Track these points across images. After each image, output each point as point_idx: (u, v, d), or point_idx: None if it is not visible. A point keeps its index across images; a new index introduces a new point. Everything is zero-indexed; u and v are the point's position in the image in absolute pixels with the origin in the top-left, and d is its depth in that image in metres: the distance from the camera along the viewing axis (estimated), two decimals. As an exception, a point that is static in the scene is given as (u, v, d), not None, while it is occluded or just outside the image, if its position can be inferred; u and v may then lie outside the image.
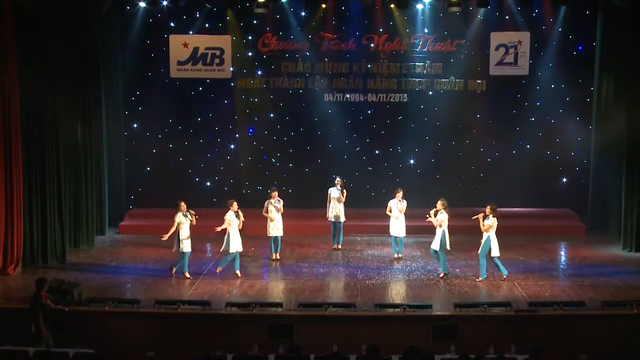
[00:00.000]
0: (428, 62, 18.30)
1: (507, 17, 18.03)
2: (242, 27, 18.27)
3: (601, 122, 17.50)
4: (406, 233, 15.21)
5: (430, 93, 18.46)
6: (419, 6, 17.98)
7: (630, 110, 15.96)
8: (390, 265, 14.90)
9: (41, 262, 14.72)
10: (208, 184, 18.77)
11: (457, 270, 14.31)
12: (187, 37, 18.11)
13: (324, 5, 17.95)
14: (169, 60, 18.17)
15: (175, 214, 13.70)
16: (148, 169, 18.75)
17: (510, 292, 13.00)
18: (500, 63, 18.14)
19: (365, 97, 18.47)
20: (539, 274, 14.11)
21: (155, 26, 18.05)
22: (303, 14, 18.12)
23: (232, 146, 18.78)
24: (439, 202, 13.86)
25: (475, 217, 13.66)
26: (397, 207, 15.08)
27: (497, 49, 18.09)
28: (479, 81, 18.33)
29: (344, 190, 15.85)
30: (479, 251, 13.63)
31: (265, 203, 15.03)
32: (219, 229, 13.93)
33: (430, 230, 14.09)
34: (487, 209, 13.53)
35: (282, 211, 15.02)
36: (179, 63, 18.19)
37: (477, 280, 13.61)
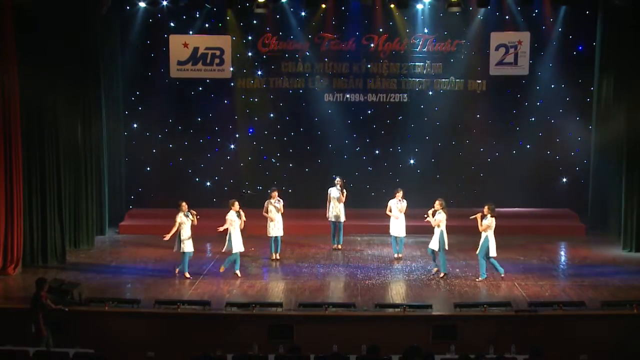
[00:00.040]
0: (428, 62, 18.30)
1: (507, 17, 18.04)
2: (242, 27, 18.27)
3: (601, 122, 17.50)
4: (406, 233, 15.21)
5: (430, 93, 18.47)
6: (419, 6, 17.98)
7: (630, 110, 15.96)
8: (390, 265, 14.90)
9: (41, 262, 14.72)
10: (208, 184, 18.77)
11: (457, 270, 14.31)
12: (187, 37, 18.11)
13: (324, 5, 17.95)
14: (169, 60, 18.17)
15: (176, 214, 13.70)
16: (148, 169, 18.75)
17: (510, 292, 12.99)
18: (500, 63, 18.15)
19: (365, 97, 18.47)
20: (539, 274, 14.11)
21: (155, 26, 18.05)
22: (303, 14, 18.12)
23: (232, 146, 18.78)
24: (437, 202, 13.86)
25: (473, 216, 13.67)
26: (397, 207, 15.08)
27: (497, 49, 18.10)
28: (479, 81, 18.33)
29: (344, 190, 15.85)
30: (478, 251, 13.63)
31: (265, 203, 15.03)
32: (221, 229, 13.93)
33: (431, 230, 14.08)
34: (485, 209, 13.53)
35: (282, 211, 15.02)
36: (179, 63, 18.19)
37: (477, 280, 13.60)
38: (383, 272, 14.34)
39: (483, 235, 13.51)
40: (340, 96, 18.51)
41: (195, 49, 18.14)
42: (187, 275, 13.75)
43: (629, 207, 15.88)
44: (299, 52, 18.32)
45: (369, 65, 18.34)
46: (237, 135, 18.78)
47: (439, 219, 13.76)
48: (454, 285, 13.45)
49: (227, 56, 18.24)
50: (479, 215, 13.57)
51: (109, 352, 10.08)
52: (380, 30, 18.24)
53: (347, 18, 18.27)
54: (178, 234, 13.67)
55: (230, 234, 13.79)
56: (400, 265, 14.82)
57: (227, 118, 18.68)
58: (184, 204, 13.76)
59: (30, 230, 14.57)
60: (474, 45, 18.22)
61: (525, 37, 18.00)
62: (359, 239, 17.06)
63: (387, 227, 15.35)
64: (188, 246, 13.71)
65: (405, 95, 18.46)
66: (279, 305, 12.05)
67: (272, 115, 18.69)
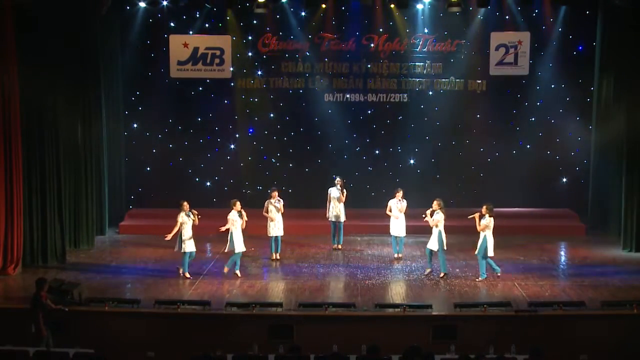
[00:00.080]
0: (428, 62, 18.30)
1: (507, 17, 18.03)
2: (242, 27, 18.26)
3: (601, 122, 17.50)
4: (406, 233, 15.21)
5: (430, 93, 18.47)
6: (419, 6, 17.98)
7: (630, 110, 15.96)
8: (390, 265, 14.90)
9: (41, 262, 14.72)
10: (208, 184, 18.77)
11: (457, 270, 14.31)
12: (187, 37, 18.11)
13: (324, 5, 17.94)
14: (169, 60, 18.17)
15: (177, 213, 13.69)
16: (148, 169, 18.75)
17: (510, 292, 12.99)
18: (500, 63, 18.15)
19: (365, 97, 18.47)
20: (539, 274, 14.11)
21: (155, 26, 18.04)
22: (303, 14, 18.12)
23: (232, 146, 18.78)
24: (435, 202, 13.86)
25: (472, 216, 13.67)
26: (397, 206, 15.08)
27: (497, 49, 18.10)
28: (479, 81, 18.33)
29: (344, 190, 15.84)
30: (477, 251, 13.62)
31: (266, 203, 15.03)
32: (222, 228, 13.93)
33: (431, 230, 14.06)
34: (483, 209, 13.53)
35: (282, 211, 15.02)
36: (179, 63, 18.19)
37: (477, 280, 13.61)
38: (383, 272, 14.34)
39: (481, 235, 13.51)
40: (340, 96, 18.51)
41: (195, 49, 18.14)
42: (187, 275, 13.75)
43: (629, 207, 15.87)
44: (299, 52, 18.32)
45: (369, 65, 18.34)
46: (237, 135, 18.77)
47: (437, 219, 13.76)
48: (454, 285, 13.45)
49: (227, 56, 18.23)
50: (477, 215, 13.57)
51: (109, 352, 10.08)
52: (380, 30, 18.24)
53: (347, 18, 18.26)
54: (179, 233, 13.66)
55: (231, 234, 13.79)
56: (400, 265, 14.82)
57: (227, 118, 18.67)
58: (185, 203, 13.76)
59: (30, 230, 14.57)
60: (474, 45, 18.22)
61: (525, 37, 18.00)
62: (359, 239, 17.06)
63: (387, 227, 15.35)
64: (189, 246, 13.71)
65: (405, 95, 18.46)
66: (279, 305, 12.05)
67: (272, 115, 18.69)
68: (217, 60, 18.20)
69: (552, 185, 18.67)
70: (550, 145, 18.55)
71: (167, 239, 13.78)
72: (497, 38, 18.07)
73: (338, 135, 18.60)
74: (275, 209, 14.94)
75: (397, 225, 15.10)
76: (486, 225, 13.44)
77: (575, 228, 17.65)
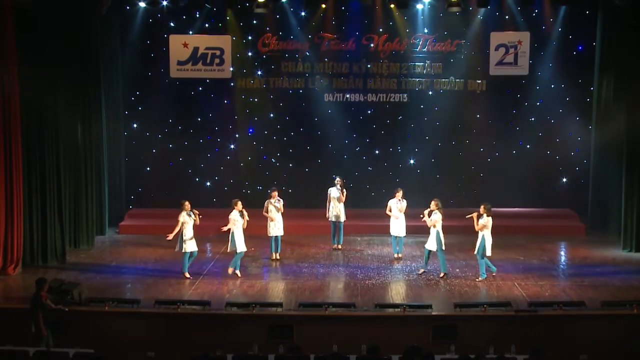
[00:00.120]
0: (428, 62, 18.30)
1: (507, 17, 18.03)
2: (242, 27, 18.26)
3: (601, 122, 17.51)
4: (406, 233, 15.20)
5: (430, 93, 18.47)
6: (419, 6, 17.98)
7: (630, 110, 15.96)
8: (390, 265, 14.90)
9: (41, 262, 14.72)
10: (208, 184, 18.77)
11: (457, 270, 14.31)
12: (187, 37, 18.11)
13: (324, 5, 17.95)
14: (169, 60, 18.17)
15: (179, 213, 13.69)
16: (148, 169, 18.75)
17: (510, 292, 12.99)
18: (500, 63, 18.15)
19: (365, 97, 18.47)
20: (539, 274, 14.11)
21: (155, 26, 18.04)
22: (303, 14, 18.12)
23: (232, 146, 18.78)
24: (433, 203, 13.86)
25: (470, 216, 13.67)
26: (397, 206, 15.08)
27: (497, 49, 18.10)
28: (479, 81, 18.33)
29: (344, 190, 15.84)
30: (476, 251, 13.61)
31: (266, 203, 15.03)
32: (224, 228, 13.92)
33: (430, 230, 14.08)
34: (482, 209, 13.53)
35: (282, 211, 15.02)
36: (179, 63, 18.19)
37: (477, 280, 13.60)
38: (383, 272, 14.34)
39: (480, 235, 13.51)
40: (340, 96, 18.51)
41: (195, 49, 18.14)
42: (187, 275, 13.74)
43: (629, 207, 15.87)
44: (299, 52, 18.32)
45: (369, 65, 18.34)
46: (237, 135, 18.77)
47: (434, 219, 13.76)
48: (454, 285, 13.45)
49: (227, 56, 18.23)
50: (475, 215, 13.57)
51: (109, 352, 10.09)
52: (380, 30, 18.24)
53: (347, 18, 18.26)
54: (180, 233, 13.65)
55: (233, 234, 13.79)
56: (400, 265, 14.82)
57: (227, 118, 18.67)
58: (187, 203, 13.76)
59: (30, 230, 14.57)
60: (474, 45, 18.22)
61: (525, 37, 18.00)
62: (359, 239, 17.06)
63: (387, 227, 15.35)
64: (190, 246, 13.70)
65: (405, 95, 18.46)
66: (279, 305, 12.05)
67: (272, 115, 18.69)
68: (217, 60, 18.20)
69: (552, 185, 18.68)
70: (550, 145, 18.55)
71: (168, 238, 13.77)
72: (497, 38, 18.08)
73: (338, 135, 18.60)
74: (275, 208, 14.94)
75: (397, 225, 15.10)
76: (484, 225, 13.44)
77: (575, 228, 17.65)
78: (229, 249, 13.95)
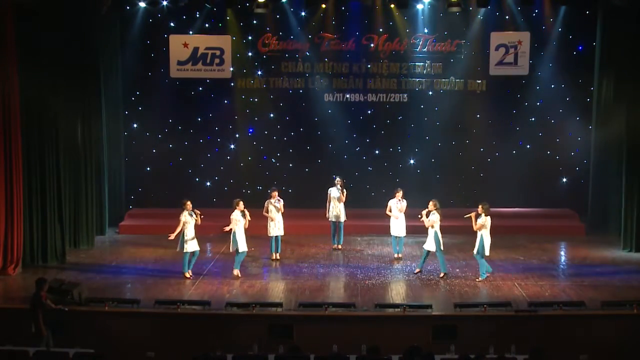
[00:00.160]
0: (428, 62, 18.30)
1: (507, 17, 18.03)
2: (242, 27, 18.26)
3: (601, 122, 17.51)
4: (406, 233, 15.20)
5: (430, 93, 18.46)
6: (419, 6, 17.97)
7: (630, 110, 15.95)
8: (390, 265, 14.90)
9: (41, 262, 14.72)
10: (208, 184, 18.77)
11: (457, 270, 14.31)
12: (187, 37, 18.11)
13: (324, 5, 17.94)
14: (169, 60, 18.17)
15: (180, 212, 13.69)
16: (148, 169, 18.75)
17: (510, 292, 12.99)
18: (500, 63, 18.15)
19: (365, 97, 18.47)
20: (539, 274, 14.11)
21: (155, 26, 18.04)
22: (303, 14, 18.11)
23: (232, 146, 18.77)
24: (431, 203, 13.86)
25: (468, 215, 13.67)
26: (397, 206, 15.08)
27: (497, 49, 18.10)
28: (479, 81, 18.33)
29: (344, 190, 15.84)
30: (475, 252, 13.60)
31: (266, 203, 15.03)
32: (226, 228, 13.91)
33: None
34: (480, 208, 13.53)
35: (283, 211, 15.02)
36: (179, 63, 18.19)
37: (477, 280, 13.60)
38: (383, 272, 14.34)
39: (478, 234, 13.50)
40: (340, 96, 18.51)
41: (195, 49, 18.14)
42: (187, 275, 13.74)
43: (629, 207, 15.87)
44: (299, 52, 18.32)
45: (369, 65, 18.34)
46: (237, 135, 18.77)
47: (432, 219, 13.75)
48: (454, 285, 13.45)
49: (227, 56, 18.23)
50: (473, 215, 13.57)
51: (109, 352, 10.07)
52: (380, 30, 18.24)
53: (347, 18, 18.26)
54: (182, 233, 13.65)
55: (235, 234, 13.78)
56: (400, 265, 14.82)
57: (227, 118, 18.67)
58: (188, 202, 13.76)
59: (30, 230, 14.57)
60: (474, 45, 18.22)
61: (525, 37, 18.00)
62: (359, 239, 17.06)
63: (387, 227, 15.35)
64: (191, 246, 13.70)
65: (405, 95, 18.46)
66: (279, 305, 12.05)
67: (272, 115, 18.68)
68: (217, 60, 18.20)
69: (552, 185, 18.67)
70: (550, 145, 18.55)
71: (170, 238, 13.75)
72: (497, 38, 18.08)
73: (338, 135, 18.60)
74: (275, 208, 14.94)
75: (397, 225, 15.10)
76: (482, 225, 13.43)
77: (575, 228, 17.65)
78: (230, 248, 13.94)
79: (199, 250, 13.96)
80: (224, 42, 18.20)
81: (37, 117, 14.57)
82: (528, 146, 18.61)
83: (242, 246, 13.81)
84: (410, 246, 15.81)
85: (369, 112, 18.59)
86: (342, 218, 15.95)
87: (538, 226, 17.78)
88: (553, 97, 18.36)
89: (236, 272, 13.83)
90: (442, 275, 13.82)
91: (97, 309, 11.84)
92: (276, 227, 14.99)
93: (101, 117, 16.89)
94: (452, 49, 18.21)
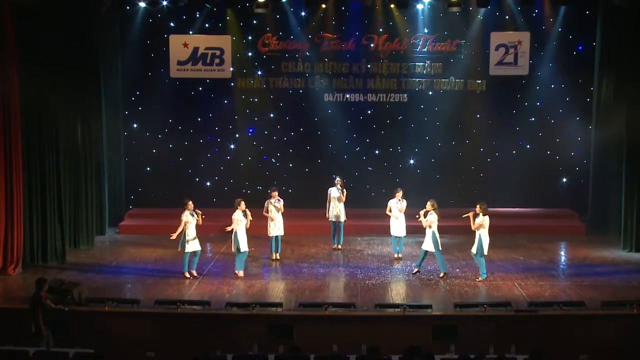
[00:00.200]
0: (428, 62, 18.30)
1: (507, 17, 18.03)
2: (242, 27, 18.26)
3: (601, 122, 17.51)
4: (406, 233, 15.20)
5: (430, 93, 18.46)
6: (419, 6, 17.96)
7: (630, 110, 15.95)
8: (390, 265, 14.89)
9: (41, 262, 14.72)
10: (208, 184, 18.77)
11: (457, 270, 14.31)
12: (187, 37, 18.11)
13: (324, 5, 17.94)
14: (169, 60, 18.17)
15: (181, 212, 13.68)
16: (148, 169, 18.75)
17: (510, 292, 12.99)
18: (500, 63, 18.14)
19: (365, 97, 18.47)
20: (539, 274, 14.11)
21: (155, 26, 18.04)
22: (303, 14, 18.12)
23: (232, 146, 18.77)
24: (429, 203, 13.85)
25: (466, 215, 13.67)
26: (396, 206, 15.08)
27: (497, 49, 18.09)
28: (479, 81, 18.33)
29: (344, 190, 15.84)
30: (474, 251, 13.60)
31: (266, 203, 15.02)
32: (228, 228, 13.90)
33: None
34: (478, 208, 13.52)
35: (283, 211, 15.02)
36: (179, 63, 18.19)
37: (477, 280, 13.60)
38: (383, 272, 14.34)
39: (477, 234, 13.50)
40: (340, 96, 18.51)
41: (195, 49, 18.14)
42: (187, 275, 13.74)
43: (629, 207, 15.87)
44: (299, 52, 18.32)
45: (369, 65, 18.34)
46: (237, 135, 18.77)
47: (430, 219, 13.74)
48: (454, 285, 13.45)
49: (227, 56, 18.23)
50: (471, 214, 13.57)
51: (109, 352, 10.07)
52: (380, 30, 18.23)
53: (347, 18, 18.26)
54: (183, 233, 13.65)
55: (236, 234, 13.77)
56: (400, 265, 14.82)
57: (227, 118, 18.67)
58: (190, 202, 13.76)
59: (30, 230, 14.57)
60: (474, 45, 18.21)
61: (525, 37, 18.00)
62: (359, 239, 17.06)
63: (387, 227, 15.34)
64: (192, 246, 13.69)
65: (405, 95, 18.46)
66: (279, 305, 12.05)
67: (272, 115, 18.68)
68: (217, 60, 18.20)
69: (552, 185, 18.67)
70: (550, 145, 18.55)
71: (172, 238, 13.75)
72: (497, 38, 18.07)
73: (338, 135, 18.60)
74: (275, 208, 14.93)
75: (397, 225, 15.10)
76: (480, 224, 13.43)
77: (575, 228, 17.65)
78: (232, 248, 13.94)
79: (200, 250, 13.95)
80: (224, 42, 18.20)
81: (37, 117, 14.57)
82: (528, 146, 18.61)
83: (244, 246, 13.81)
84: (410, 246, 15.80)
85: (369, 112, 18.59)
86: (342, 218, 15.95)
87: (538, 226, 17.78)
88: (553, 97, 18.36)
89: (241, 273, 13.83)
90: (442, 275, 13.82)
91: (97, 309, 11.84)
92: (276, 227, 14.98)
93: (101, 117, 16.89)
94: (452, 49, 18.21)
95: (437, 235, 13.74)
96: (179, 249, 13.77)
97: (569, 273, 14.48)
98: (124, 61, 18.02)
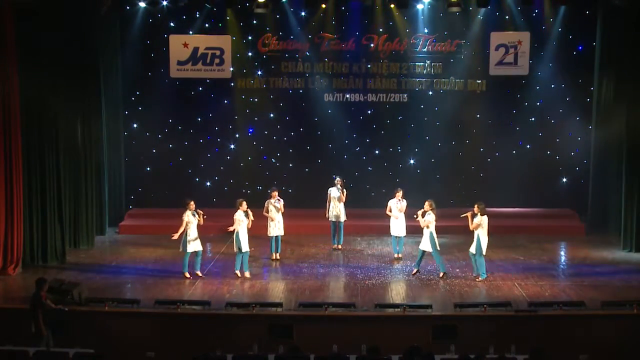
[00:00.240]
0: (428, 62, 18.30)
1: (507, 17, 18.02)
2: (242, 27, 18.26)
3: (601, 122, 17.51)
4: (406, 233, 15.20)
5: (430, 93, 18.46)
6: (419, 6, 17.96)
7: (630, 110, 15.95)
8: (390, 265, 14.90)
9: (41, 262, 14.72)
10: (208, 184, 18.77)
11: (457, 270, 14.31)
12: (187, 37, 18.11)
13: (324, 5, 17.94)
14: (169, 60, 18.17)
15: (183, 212, 13.68)
16: (148, 169, 18.75)
17: (510, 292, 12.99)
18: (500, 63, 18.14)
19: (365, 97, 18.47)
20: (539, 274, 14.11)
21: (155, 26, 18.04)
22: (303, 14, 18.11)
23: (232, 146, 18.77)
24: (427, 203, 13.84)
25: (464, 215, 13.67)
26: (396, 206, 15.08)
27: (497, 49, 18.09)
28: (479, 81, 18.33)
29: (344, 190, 15.84)
30: (473, 251, 13.59)
31: (266, 203, 15.02)
32: (230, 229, 13.89)
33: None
34: (476, 208, 13.52)
35: (283, 210, 15.01)
36: (179, 63, 18.19)
37: (477, 280, 13.60)
38: (383, 272, 14.34)
39: (475, 234, 13.50)
40: (340, 96, 18.51)
41: (195, 49, 18.14)
42: (187, 275, 13.74)
43: (629, 207, 15.86)
44: (299, 52, 18.31)
45: (369, 65, 18.34)
46: (237, 135, 18.77)
47: (428, 219, 13.74)
48: (454, 285, 13.45)
49: (227, 56, 18.23)
50: (469, 214, 13.56)
51: (109, 352, 10.08)
52: (380, 30, 18.23)
53: (347, 18, 18.26)
54: (185, 233, 13.64)
55: (237, 234, 13.77)
56: (400, 265, 14.82)
57: (227, 118, 18.67)
58: (191, 203, 13.76)
59: (30, 230, 14.57)
60: (474, 45, 18.21)
61: (525, 37, 17.99)
62: (359, 239, 17.06)
63: (387, 227, 15.34)
64: (194, 246, 13.69)
65: (405, 95, 18.46)
66: (279, 305, 12.05)
67: (272, 115, 18.68)
68: (217, 60, 18.20)
69: (552, 185, 18.66)
70: (550, 145, 18.55)
71: (174, 238, 13.74)
72: (497, 38, 18.07)
73: (338, 135, 18.60)
74: (275, 208, 14.93)
75: (397, 225, 15.10)
76: (479, 224, 13.43)
77: (575, 228, 17.64)
78: (234, 248, 13.93)
79: (202, 250, 13.95)
80: (224, 42, 18.20)
81: (37, 117, 14.57)
82: (528, 146, 18.61)
83: (245, 246, 13.80)
84: (410, 246, 15.78)
85: (369, 112, 18.59)
86: (342, 218, 15.95)
87: (538, 226, 17.78)
88: (553, 97, 18.36)
89: (247, 273, 13.82)
90: (441, 275, 13.82)
91: (97, 309, 11.84)
92: (276, 227, 14.98)
93: (101, 117, 16.89)
94: (452, 49, 18.21)
95: (435, 235, 13.73)
96: (181, 249, 13.77)
97: (569, 273, 14.48)
98: (124, 61, 18.02)
